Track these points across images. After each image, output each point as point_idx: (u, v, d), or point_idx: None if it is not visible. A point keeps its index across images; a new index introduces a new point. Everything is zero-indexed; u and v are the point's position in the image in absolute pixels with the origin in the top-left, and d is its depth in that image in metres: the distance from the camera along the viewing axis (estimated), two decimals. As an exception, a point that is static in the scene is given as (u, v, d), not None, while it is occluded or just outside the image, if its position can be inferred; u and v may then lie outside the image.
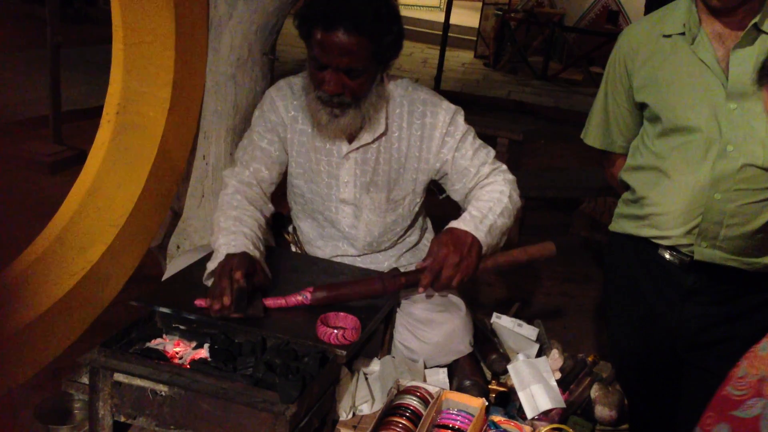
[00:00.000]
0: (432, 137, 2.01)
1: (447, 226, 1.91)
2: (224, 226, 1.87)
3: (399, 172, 2.04)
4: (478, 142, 2.06)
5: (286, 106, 2.04)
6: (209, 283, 1.78)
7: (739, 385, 1.24)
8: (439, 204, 2.24)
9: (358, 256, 2.13)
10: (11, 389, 1.85)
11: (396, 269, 1.92)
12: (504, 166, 2.06)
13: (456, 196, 2.10)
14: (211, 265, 1.78)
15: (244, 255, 1.75)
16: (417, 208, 2.13)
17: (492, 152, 2.07)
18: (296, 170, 2.08)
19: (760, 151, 1.76)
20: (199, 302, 1.70)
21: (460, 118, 2.03)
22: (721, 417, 1.25)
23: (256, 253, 1.80)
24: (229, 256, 1.74)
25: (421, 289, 1.84)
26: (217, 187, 2.32)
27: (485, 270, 1.92)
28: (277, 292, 1.79)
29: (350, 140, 2.00)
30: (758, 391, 1.19)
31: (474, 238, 1.86)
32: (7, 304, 1.83)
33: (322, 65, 1.83)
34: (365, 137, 1.99)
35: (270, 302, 1.75)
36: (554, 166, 6.72)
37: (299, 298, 1.76)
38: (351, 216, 2.07)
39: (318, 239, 2.15)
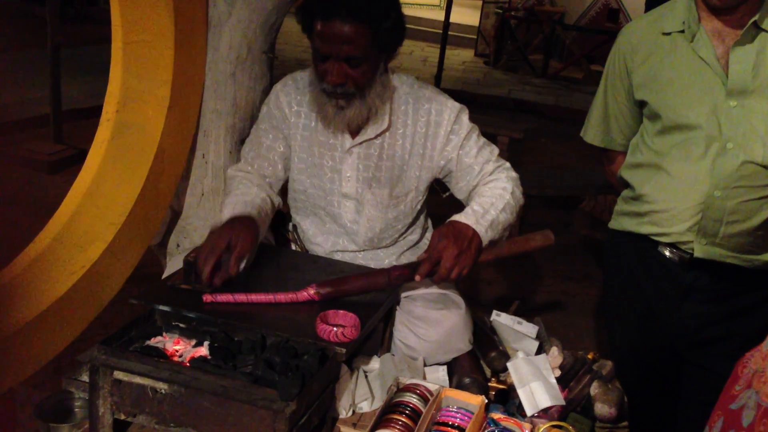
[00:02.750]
0: (437, 135, 2.01)
1: (449, 220, 1.90)
2: (227, 202, 1.97)
3: (402, 168, 2.05)
4: (482, 140, 2.06)
5: (289, 101, 2.06)
6: None
7: (741, 381, 1.26)
8: (440, 203, 2.24)
9: (359, 251, 2.13)
10: (12, 388, 1.85)
11: (397, 266, 1.92)
12: (507, 164, 2.06)
13: (459, 194, 2.10)
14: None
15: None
16: (419, 206, 2.13)
17: (496, 150, 2.07)
18: (298, 165, 2.09)
19: (759, 148, 1.76)
20: (206, 298, 1.73)
21: (465, 117, 2.03)
22: (723, 412, 1.27)
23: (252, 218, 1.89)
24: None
25: (418, 277, 1.80)
26: (216, 185, 2.32)
27: (485, 261, 1.92)
28: (278, 289, 1.78)
29: (354, 135, 2.01)
30: (749, 383, 1.21)
31: (475, 231, 1.86)
32: (7, 302, 1.83)
33: (324, 56, 1.86)
34: (369, 132, 1.99)
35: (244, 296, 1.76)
36: (555, 165, 6.71)
37: (293, 295, 1.77)
38: (353, 211, 2.08)
39: (318, 235, 2.15)
